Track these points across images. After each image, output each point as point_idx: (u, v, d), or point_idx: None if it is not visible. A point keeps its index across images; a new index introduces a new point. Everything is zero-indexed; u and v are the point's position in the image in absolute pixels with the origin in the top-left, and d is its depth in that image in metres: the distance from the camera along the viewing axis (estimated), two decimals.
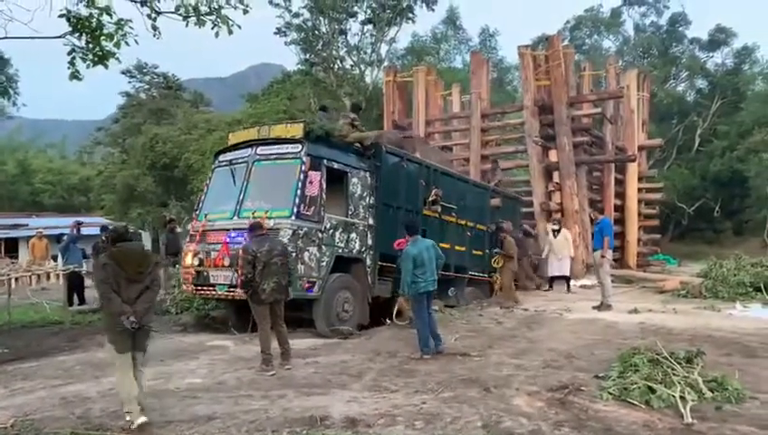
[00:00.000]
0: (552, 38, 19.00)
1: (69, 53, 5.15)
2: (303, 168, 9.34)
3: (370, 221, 10.54)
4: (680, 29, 41.18)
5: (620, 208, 20.38)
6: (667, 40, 41.16)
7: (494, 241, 13.57)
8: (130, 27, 5.23)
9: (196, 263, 9.70)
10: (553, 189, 17.23)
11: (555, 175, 17.38)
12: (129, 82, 38.92)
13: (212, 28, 4.89)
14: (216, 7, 4.95)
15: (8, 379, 7.18)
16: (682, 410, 5.14)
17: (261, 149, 9.97)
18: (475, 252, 13.33)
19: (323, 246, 9.48)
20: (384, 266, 10.59)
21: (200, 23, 4.83)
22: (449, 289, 12.10)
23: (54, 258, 17.74)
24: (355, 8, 31.38)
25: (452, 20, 40.21)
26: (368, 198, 10.55)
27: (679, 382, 5.66)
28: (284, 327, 7.48)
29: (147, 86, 39.67)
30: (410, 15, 31.69)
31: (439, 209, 12.02)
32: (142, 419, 5.05)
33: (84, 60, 5.11)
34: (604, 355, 7.21)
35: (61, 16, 4.77)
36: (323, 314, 9.42)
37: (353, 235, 10.15)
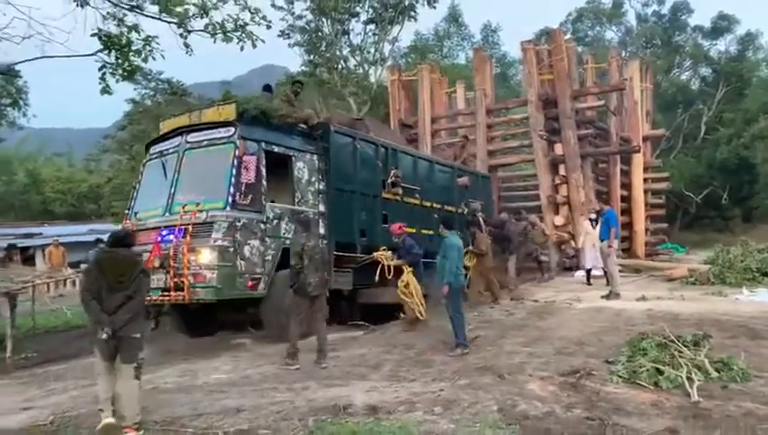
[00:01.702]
0: (554, 33, 19.18)
1: (99, 69, 5.44)
2: (237, 152, 8.48)
3: (321, 208, 9.74)
4: (682, 17, 41.22)
5: (627, 199, 20.53)
6: (669, 29, 41.19)
7: (466, 225, 12.40)
8: (156, 43, 5.52)
9: None
10: (560, 182, 17.40)
11: (561, 168, 17.56)
12: (135, 89, 39.23)
13: (237, 43, 5.16)
14: (242, 24, 5.21)
15: (41, 380, 7.50)
16: (689, 390, 5.39)
17: (191, 136, 9.12)
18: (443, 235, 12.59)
19: (267, 239, 8.70)
20: (342, 256, 9.86)
21: (227, 39, 5.10)
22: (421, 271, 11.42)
23: (71, 265, 18.07)
24: (357, 8, 31.53)
25: (454, 17, 40.36)
26: (317, 184, 9.74)
27: (686, 364, 5.90)
28: (324, 323, 7.51)
29: (152, 92, 39.95)
30: (412, 14, 31.77)
31: (400, 191, 11.38)
32: (108, 420, 5.02)
33: (114, 75, 5.39)
34: (613, 341, 7.42)
35: (93, 35, 5.05)
36: (273, 315, 8.63)
37: None
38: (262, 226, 8.66)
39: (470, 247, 11.66)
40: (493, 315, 10.24)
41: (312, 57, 32.11)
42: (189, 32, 5.26)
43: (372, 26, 31.98)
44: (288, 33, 31.35)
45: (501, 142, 19.96)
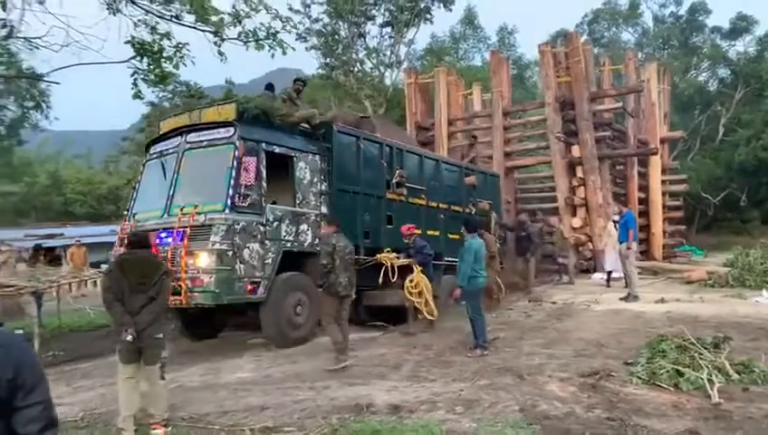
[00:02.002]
0: (570, 35, 19.17)
1: (132, 75, 5.64)
2: (237, 153, 8.26)
3: (323, 210, 9.46)
4: (700, 18, 40.88)
5: (644, 201, 20.45)
6: (686, 30, 40.91)
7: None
8: (187, 50, 5.69)
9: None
10: (577, 184, 17.39)
11: (579, 170, 17.54)
12: (153, 92, 39.71)
13: (268, 50, 5.29)
14: (274, 32, 5.34)
15: (69, 378, 7.67)
16: (710, 391, 5.41)
17: (191, 137, 8.93)
18: (450, 236, 12.01)
19: (267, 242, 8.47)
20: None
21: (259, 47, 5.23)
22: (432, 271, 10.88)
23: (92, 266, 18.34)
24: (373, 11, 31.72)
25: (470, 19, 40.39)
26: (319, 185, 9.50)
27: (707, 366, 5.92)
28: (347, 323, 7.58)
29: (170, 95, 40.43)
30: (428, 16, 31.94)
31: (405, 192, 11.10)
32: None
33: (145, 81, 5.56)
34: (632, 343, 7.46)
35: (127, 42, 5.21)
36: (272, 319, 8.46)
37: (304, 226, 9.13)
38: (261, 228, 8.44)
39: None
40: (511, 317, 10.30)
41: (328, 60, 32.31)
42: (223, 40, 5.40)
43: (388, 29, 32.16)
44: (305, 37, 31.57)
45: (517, 144, 19.97)
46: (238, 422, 5.27)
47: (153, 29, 5.26)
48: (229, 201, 8.04)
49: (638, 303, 10.95)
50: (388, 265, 9.66)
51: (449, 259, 11.61)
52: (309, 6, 30.98)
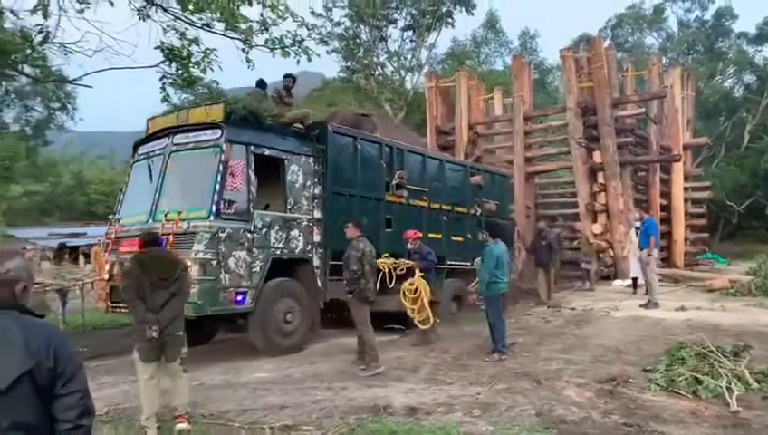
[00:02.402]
0: (593, 40, 19.08)
1: (160, 79, 5.78)
2: (223, 157, 7.89)
3: (317, 214, 9.09)
4: (726, 23, 40.34)
5: (666, 208, 20.26)
6: (712, 35, 40.38)
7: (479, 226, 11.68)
8: (215, 55, 5.83)
9: (106, 277, 8.45)
10: (598, 190, 17.28)
11: (600, 175, 17.43)
12: (176, 94, 40.18)
13: (294, 57, 5.41)
14: (299, 40, 5.45)
15: (93, 374, 7.80)
16: (728, 399, 5.39)
17: (178, 138, 8.51)
18: (454, 238, 11.74)
19: (255, 249, 8.08)
20: (340, 266, 8.88)
21: (285, 54, 5.34)
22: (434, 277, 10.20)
23: None
24: (395, 15, 31.88)
25: (492, 23, 40.32)
26: (312, 188, 9.08)
27: (726, 374, 5.89)
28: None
29: (192, 97, 40.91)
30: (450, 20, 32.03)
31: (405, 193, 10.64)
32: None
33: (173, 85, 5.69)
34: (651, 350, 7.43)
35: (156, 48, 5.37)
36: (260, 328, 8.17)
37: (295, 232, 8.75)
38: (249, 235, 8.04)
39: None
40: (530, 322, 10.29)
41: (349, 63, 32.52)
42: (251, 47, 5.52)
43: (410, 33, 32.30)
44: (326, 41, 31.80)
45: (538, 149, 19.90)
46: (258, 420, 5.36)
47: (182, 35, 5.39)
48: (214, 208, 7.69)
49: (657, 310, 10.87)
50: (386, 270, 9.18)
51: (452, 262, 11.44)
52: (331, 10, 31.27)
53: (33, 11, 4.83)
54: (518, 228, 15.57)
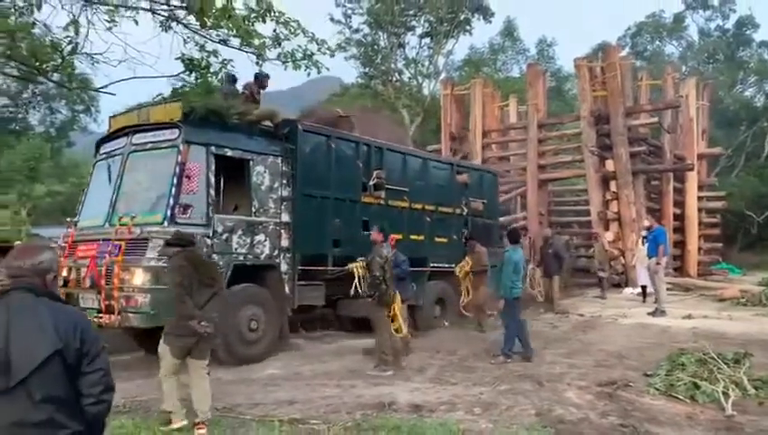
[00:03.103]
0: (608, 49, 19.20)
1: (180, 87, 6.15)
2: (180, 158, 7.44)
3: (285, 218, 8.58)
4: (747, 32, 40.11)
5: (680, 217, 20.27)
6: (733, 44, 40.15)
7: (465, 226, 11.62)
8: (232, 65, 6.18)
9: (61, 283, 7.59)
10: (611, 198, 17.36)
11: (612, 184, 17.52)
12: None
13: (304, 69, 5.71)
14: (310, 54, 5.76)
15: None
16: (724, 404, 5.54)
17: (137, 138, 8.08)
18: (437, 239, 11.16)
19: (214, 256, 7.55)
20: (310, 271, 8.84)
21: (296, 66, 5.64)
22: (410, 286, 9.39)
23: None
24: (413, 22, 32.15)
25: (509, 31, 40.44)
26: (280, 190, 8.57)
27: (724, 379, 6.03)
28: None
29: None
30: (467, 28, 32.23)
31: (383, 194, 10.03)
32: (183, 422, 5.15)
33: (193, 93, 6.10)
34: (654, 356, 7.56)
35: (177, 59, 5.71)
36: (221, 336, 7.32)
37: (260, 236, 8.26)
38: (208, 241, 7.58)
39: (465, 261, 10.76)
40: (537, 328, 10.42)
41: (367, 69, 32.83)
42: (264, 60, 5.85)
43: (427, 40, 32.53)
44: (344, 47, 32.17)
45: (552, 157, 20.03)
46: (267, 414, 5.59)
47: (202, 47, 5.74)
48: (169, 212, 7.28)
49: (665, 318, 10.97)
50: (359, 274, 8.61)
51: (435, 265, 10.94)
52: (350, 17, 31.64)
53: (66, 27, 5.18)
54: (530, 235, 15.68)
